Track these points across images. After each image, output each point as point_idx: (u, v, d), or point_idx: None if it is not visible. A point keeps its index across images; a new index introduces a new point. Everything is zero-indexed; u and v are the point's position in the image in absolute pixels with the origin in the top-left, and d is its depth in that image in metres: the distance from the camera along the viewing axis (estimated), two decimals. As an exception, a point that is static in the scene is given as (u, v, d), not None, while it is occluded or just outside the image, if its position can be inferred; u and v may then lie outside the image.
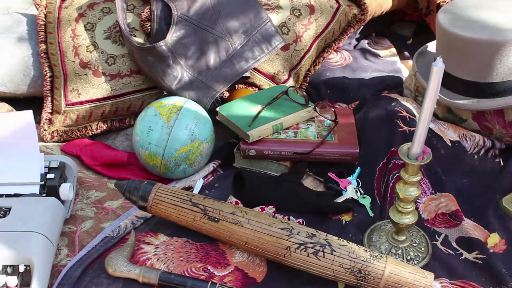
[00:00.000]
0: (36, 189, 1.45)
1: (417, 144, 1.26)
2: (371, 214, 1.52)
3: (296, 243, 1.30)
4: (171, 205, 1.37)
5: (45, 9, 1.92)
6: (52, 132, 1.81)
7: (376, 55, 2.12)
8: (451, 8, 1.67)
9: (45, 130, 1.81)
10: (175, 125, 1.57)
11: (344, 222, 1.50)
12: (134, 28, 1.81)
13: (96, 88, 1.79)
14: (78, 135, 1.82)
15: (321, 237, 1.31)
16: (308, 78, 1.95)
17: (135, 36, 1.79)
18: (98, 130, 1.82)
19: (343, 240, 1.31)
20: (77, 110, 1.80)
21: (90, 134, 1.82)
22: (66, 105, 1.80)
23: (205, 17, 1.75)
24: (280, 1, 1.87)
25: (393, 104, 1.71)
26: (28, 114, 1.47)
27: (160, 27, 1.76)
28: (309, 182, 1.62)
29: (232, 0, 1.78)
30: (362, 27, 2.10)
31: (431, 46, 1.85)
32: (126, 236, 1.44)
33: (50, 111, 1.83)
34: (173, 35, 1.71)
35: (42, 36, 1.89)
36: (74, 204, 1.54)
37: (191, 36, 1.73)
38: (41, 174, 1.47)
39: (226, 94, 1.83)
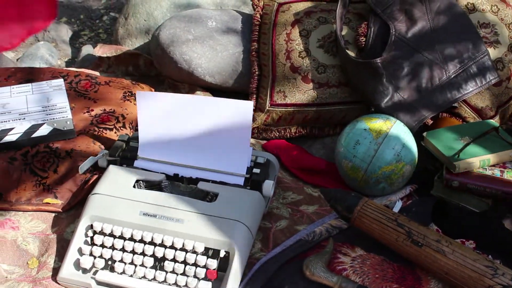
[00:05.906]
0: (241, 181, 1.49)
1: None
2: None
3: (500, 284, 1.27)
4: (376, 221, 1.38)
5: (262, 10, 1.98)
6: (253, 128, 1.87)
7: None
8: None
9: (247, 125, 1.86)
10: (383, 143, 1.57)
11: (542, 271, 1.45)
12: (347, 41, 1.84)
13: (303, 93, 1.83)
14: (277, 135, 1.86)
15: (526, 283, 1.27)
16: (514, 118, 1.90)
17: (347, 49, 1.81)
18: (297, 134, 1.86)
19: (548, 291, 1.27)
20: (280, 111, 1.84)
21: (288, 137, 1.87)
22: (270, 105, 1.85)
23: (422, 40, 1.74)
24: (499, 36, 1.82)
25: None
26: (249, 104, 1.47)
27: (374, 44, 1.77)
28: (508, 224, 1.57)
29: (453, 28, 1.76)
30: None
31: None
32: (321, 243, 1.45)
33: (253, 108, 1.88)
34: (388, 54, 1.72)
35: (255, 36, 1.94)
36: (270, 201, 1.58)
37: (406, 58, 1.73)
38: (247, 167, 1.52)
39: (430, 120, 1.81)
